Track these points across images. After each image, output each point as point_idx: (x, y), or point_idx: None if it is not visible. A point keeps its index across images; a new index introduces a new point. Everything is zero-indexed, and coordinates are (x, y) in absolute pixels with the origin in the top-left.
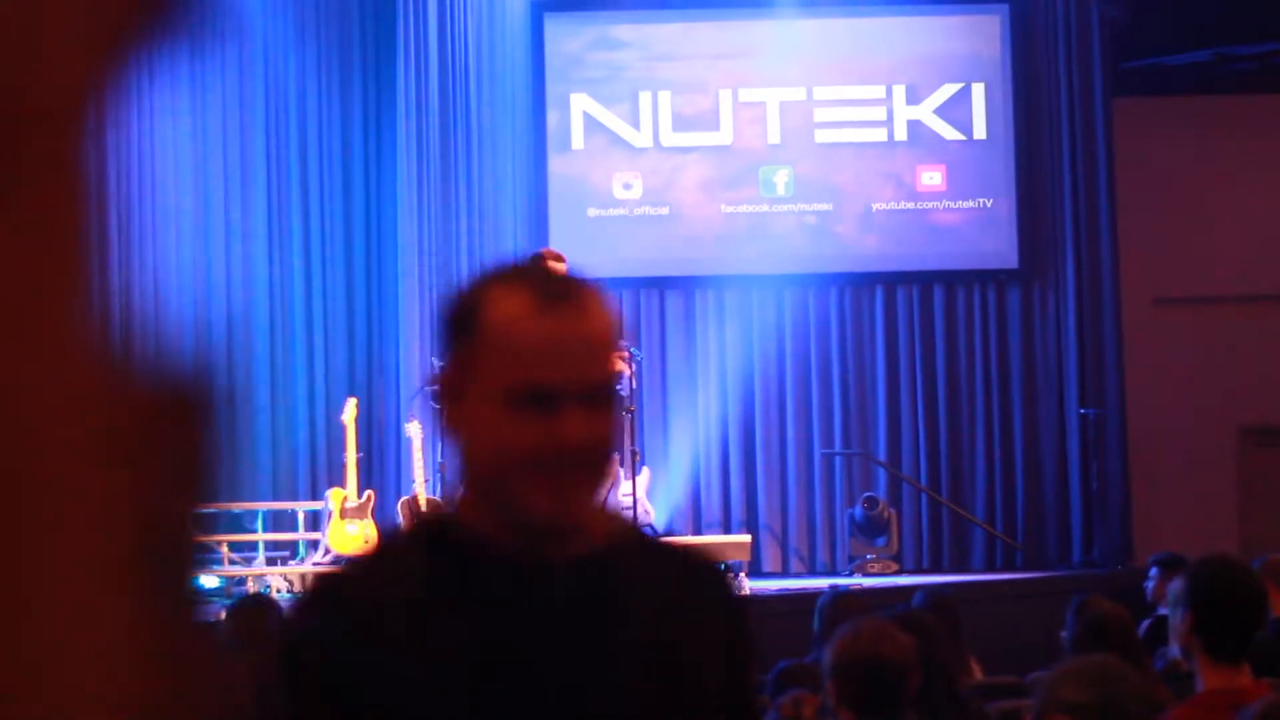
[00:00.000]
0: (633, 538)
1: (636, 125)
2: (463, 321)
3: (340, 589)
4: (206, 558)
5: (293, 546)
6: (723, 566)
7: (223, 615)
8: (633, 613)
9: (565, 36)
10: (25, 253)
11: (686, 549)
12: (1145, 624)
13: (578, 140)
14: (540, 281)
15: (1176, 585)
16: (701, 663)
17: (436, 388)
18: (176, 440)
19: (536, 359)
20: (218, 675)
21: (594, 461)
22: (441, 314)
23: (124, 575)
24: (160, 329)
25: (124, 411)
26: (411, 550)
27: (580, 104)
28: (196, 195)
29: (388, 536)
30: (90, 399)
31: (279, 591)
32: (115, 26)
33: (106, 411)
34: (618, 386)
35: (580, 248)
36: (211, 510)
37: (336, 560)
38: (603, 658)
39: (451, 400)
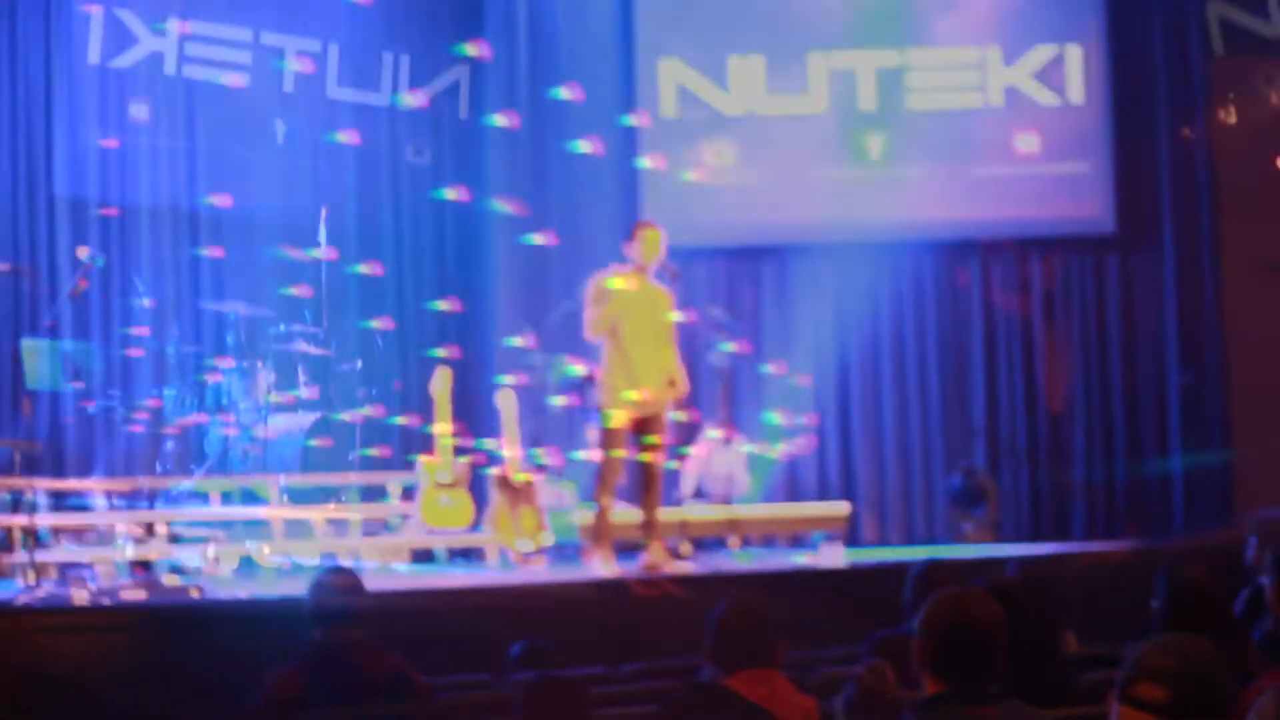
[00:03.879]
0: None
1: (729, 92)
2: None
3: None
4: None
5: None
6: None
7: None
8: None
9: (654, 3)
10: None
11: None
12: (1244, 593)
13: (669, 108)
14: None
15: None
16: None
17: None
18: None
19: None
20: None
21: None
22: None
23: None
24: None
25: None
26: None
27: (672, 71)
28: None
29: None
30: None
31: (371, 564)
32: None
33: None
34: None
35: (673, 216)
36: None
37: (431, 533)
38: None
39: None
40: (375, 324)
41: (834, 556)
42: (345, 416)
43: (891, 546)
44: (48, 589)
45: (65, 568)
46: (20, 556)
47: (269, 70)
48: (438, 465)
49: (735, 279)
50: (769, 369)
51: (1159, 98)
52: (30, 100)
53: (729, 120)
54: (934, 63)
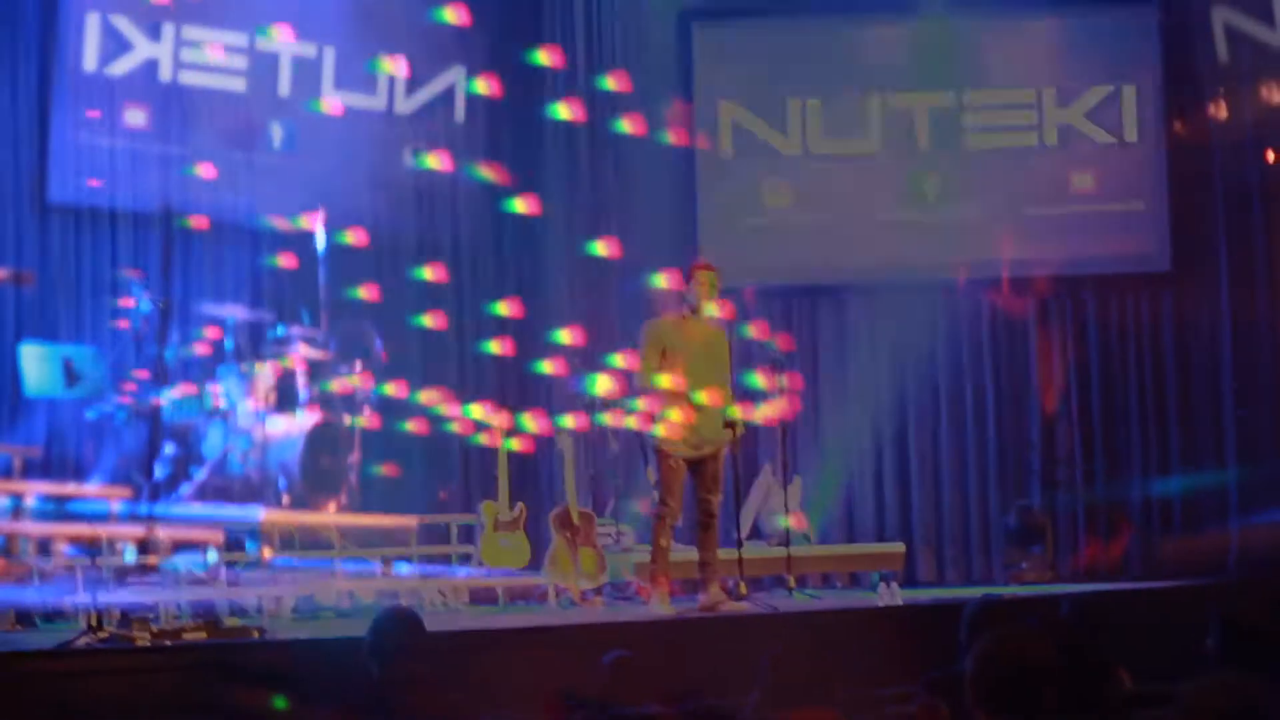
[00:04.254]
0: None
1: (785, 133)
2: None
3: None
4: None
5: (445, 559)
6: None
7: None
8: None
9: (713, 45)
10: None
11: None
12: None
13: (726, 148)
14: None
15: None
16: None
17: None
18: None
19: None
20: None
21: None
22: None
23: None
24: None
25: None
26: None
27: (729, 112)
28: None
29: None
30: None
31: (432, 604)
32: None
33: None
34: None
35: (731, 256)
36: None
37: (489, 574)
38: None
39: None
40: (361, 292)
41: (891, 597)
42: (334, 386)
43: (948, 586)
44: (109, 630)
45: (126, 608)
46: (83, 597)
47: (265, 75)
48: (497, 508)
49: (792, 318)
50: (827, 407)
51: (1212, 134)
52: (27, 106)
53: (786, 161)
54: (990, 103)
